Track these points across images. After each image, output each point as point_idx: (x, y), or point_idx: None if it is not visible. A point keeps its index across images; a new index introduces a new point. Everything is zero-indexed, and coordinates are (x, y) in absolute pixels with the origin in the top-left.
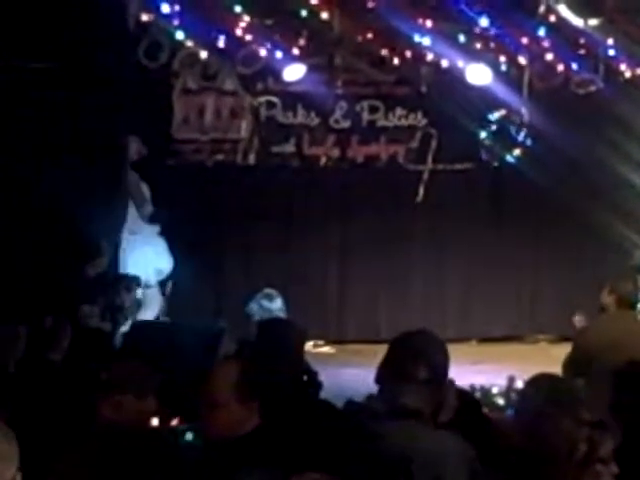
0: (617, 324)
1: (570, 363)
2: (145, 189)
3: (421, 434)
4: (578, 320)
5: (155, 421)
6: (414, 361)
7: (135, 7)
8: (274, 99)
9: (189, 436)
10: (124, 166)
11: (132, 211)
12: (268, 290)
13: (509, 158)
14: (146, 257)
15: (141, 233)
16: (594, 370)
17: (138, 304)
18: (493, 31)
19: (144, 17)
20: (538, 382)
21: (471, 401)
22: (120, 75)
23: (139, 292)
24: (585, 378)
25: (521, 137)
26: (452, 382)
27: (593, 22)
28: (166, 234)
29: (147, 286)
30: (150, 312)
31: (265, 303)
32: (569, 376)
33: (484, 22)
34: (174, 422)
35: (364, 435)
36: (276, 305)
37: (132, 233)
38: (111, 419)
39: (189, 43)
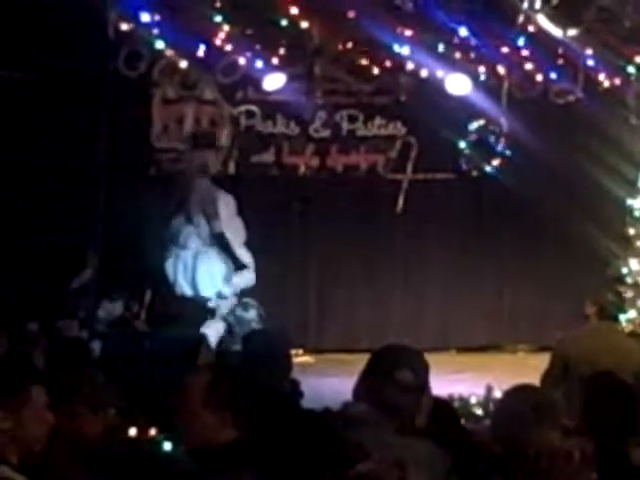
0: (597, 335)
1: (549, 373)
2: (229, 203)
3: (392, 440)
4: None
5: (133, 431)
6: (399, 367)
7: (115, 16)
8: (254, 108)
9: (167, 446)
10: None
11: (203, 224)
12: (246, 299)
13: (488, 168)
14: (216, 268)
15: (213, 246)
16: (571, 380)
17: (211, 313)
18: (472, 41)
19: (124, 26)
20: (517, 392)
21: (448, 409)
22: (100, 84)
23: (212, 302)
24: (564, 388)
25: (500, 147)
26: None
27: (572, 32)
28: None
29: (220, 297)
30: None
31: (239, 312)
32: (548, 386)
33: (463, 32)
34: (152, 432)
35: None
36: (250, 315)
37: (205, 245)
38: (68, 429)
39: (169, 52)
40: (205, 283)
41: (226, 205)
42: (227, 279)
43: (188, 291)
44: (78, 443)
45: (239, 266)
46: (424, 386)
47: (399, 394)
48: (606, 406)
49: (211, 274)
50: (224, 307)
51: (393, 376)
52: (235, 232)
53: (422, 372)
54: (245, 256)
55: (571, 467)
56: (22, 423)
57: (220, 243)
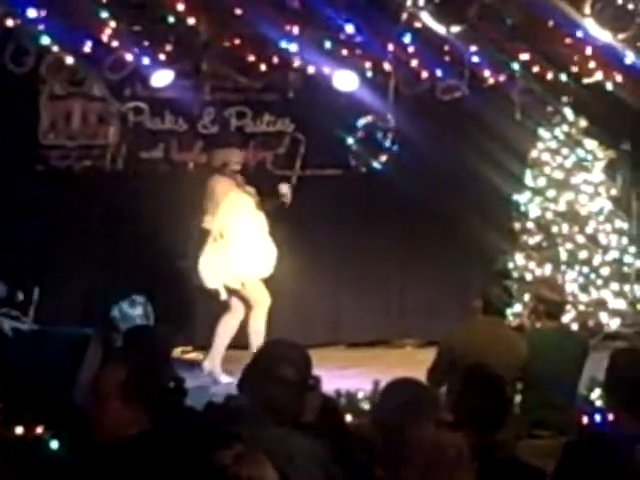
0: (482, 329)
1: (435, 368)
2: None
3: (271, 434)
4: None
5: (20, 429)
6: (280, 363)
7: (0, 12)
8: (142, 105)
9: (54, 444)
10: None
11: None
12: (135, 296)
13: (376, 164)
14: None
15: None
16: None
17: None
18: (359, 38)
19: (9, 22)
20: (396, 386)
21: (331, 405)
22: None
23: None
24: (450, 383)
25: (388, 143)
26: (318, 381)
27: (455, 29)
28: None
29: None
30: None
31: (126, 309)
32: (434, 381)
33: (350, 29)
34: (39, 430)
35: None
36: (137, 311)
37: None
38: None
39: (55, 48)
40: None
41: None
42: None
43: None
44: None
45: None
46: (305, 381)
47: (279, 389)
48: (476, 399)
49: None
50: None
51: (273, 371)
52: None
53: (304, 368)
54: None
55: (446, 461)
56: None
57: None
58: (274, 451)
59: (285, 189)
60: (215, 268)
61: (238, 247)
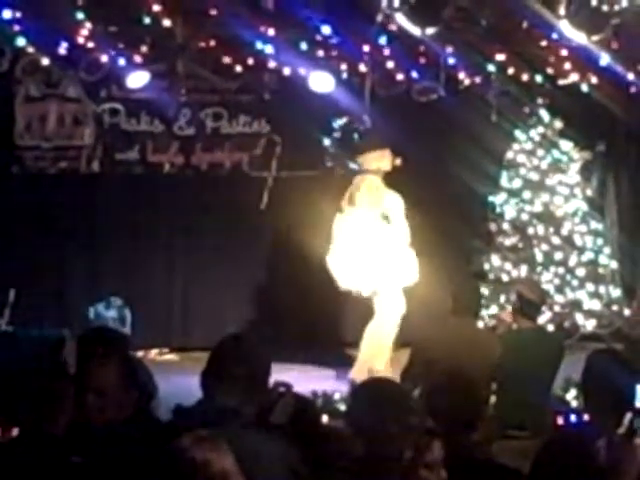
0: (455, 331)
1: (408, 369)
2: None
3: (234, 435)
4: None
5: None
6: (232, 360)
7: None
8: (117, 106)
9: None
10: None
11: None
12: (112, 298)
13: (352, 165)
14: None
15: None
16: (432, 378)
17: None
18: (334, 39)
19: None
20: (366, 387)
21: (304, 407)
22: None
23: None
24: (424, 385)
25: None
26: (289, 387)
27: (430, 31)
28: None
29: None
30: None
31: (100, 310)
32: (408, 382)
33: (326, 30)
34: (14, 432)
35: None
36: (111, 313)
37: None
38: None
39: (31, 50)
40: None
41: None
42: None
43: None
44: None
45: None
46: (264, 380)
47: (228, 388)
48: (450, 401)
49: None
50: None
51: (220, 370)
52: None
53: (260, 366)
54: None
55: (402, 463)
56: None
57: None
58: (239, 452)
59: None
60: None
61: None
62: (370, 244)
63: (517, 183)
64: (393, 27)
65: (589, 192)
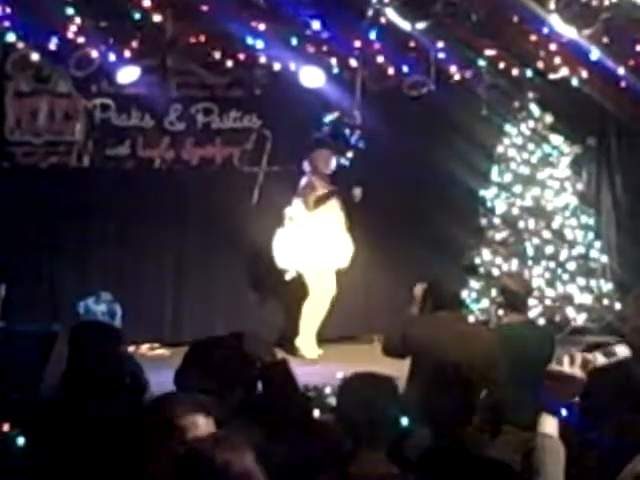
0: (445, 325)
1: (390, 340)
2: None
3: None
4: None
5: None
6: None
7: None
8: (108, 101)
9: (21, 441)
10: None
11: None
12: (102, 293)
13: (343, 160)
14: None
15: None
16: (421, 372)
17: None
18: (325, 34)
19: None
20: (352, 381)
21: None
22: None
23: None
24: (414, 380)
25: (354, 139)
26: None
27: (420, 25)
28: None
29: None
30: None
31: (90, 304)
32: (388, 352)
33: (316, 25)
34: (5, 427)
35: None
36: (100, 308)
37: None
38: None
39: (21, 45)
40: None
41: None
42: None
43: None
44: None
45: None
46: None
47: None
48: (441, 396)
49: None
50: None
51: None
52: None
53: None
54: None
55: None
56: None
57: None
58: None
59: (358, 192)
60: (290, 251)
61: (314, 237)
62: (309, 227)
63: (508, 177)
64: (383, 22)
65: (580, 186)
